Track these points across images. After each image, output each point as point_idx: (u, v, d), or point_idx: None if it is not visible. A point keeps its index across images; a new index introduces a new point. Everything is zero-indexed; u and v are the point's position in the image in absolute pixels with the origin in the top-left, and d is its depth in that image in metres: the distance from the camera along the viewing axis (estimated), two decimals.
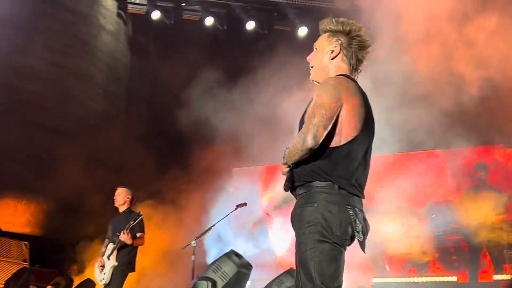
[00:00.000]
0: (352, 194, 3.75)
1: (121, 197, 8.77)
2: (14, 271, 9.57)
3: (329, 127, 3.71)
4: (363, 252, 3.86)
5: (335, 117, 3.70)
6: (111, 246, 8.49)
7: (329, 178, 3.71)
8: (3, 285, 9.32)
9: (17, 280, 9.27)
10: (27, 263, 9.99)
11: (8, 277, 9.42)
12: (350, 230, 3.67)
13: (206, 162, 11.38)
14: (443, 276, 10.18)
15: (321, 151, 3.73)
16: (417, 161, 11.14)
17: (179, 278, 9.41)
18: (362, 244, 3.77)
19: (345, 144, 3.75)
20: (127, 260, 8.52)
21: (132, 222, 8.32)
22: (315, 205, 3.68)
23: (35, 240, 10.66)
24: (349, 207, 3.71)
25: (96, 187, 11.22)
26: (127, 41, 14.07)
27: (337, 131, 3.74)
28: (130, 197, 8.84)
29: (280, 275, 7.46)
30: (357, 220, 3.71)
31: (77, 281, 10.11)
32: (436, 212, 10.86)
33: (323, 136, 3.70)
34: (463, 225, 10.23)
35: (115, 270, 8.45)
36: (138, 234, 8.49)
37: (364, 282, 9.62)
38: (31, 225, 11.29)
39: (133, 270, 8.65)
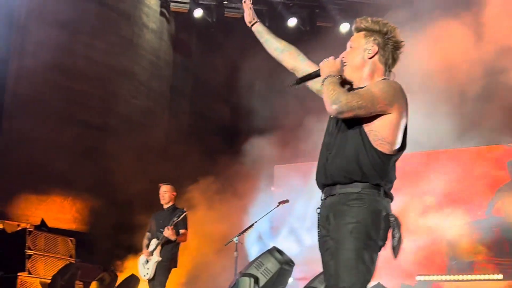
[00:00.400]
0: (391, 200, 3.78)
1: (168, 195, 8.91)
2: (61, 266, 9.70)
3: (358, 115, 3.68)
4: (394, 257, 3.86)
5: (371, 114, 3.68)
6: (155, 241, 8.60)
7: (380, 182, 3.73)
8: (50, 280, 9.45)
9: (63, 275, 9.41)
10: (73, 259, 10.13)
11: (55, 272, 9.52)
12: (385, 236, 3.69)
13: (248, 158, 11.41)
14: (488, 274, 10.06)
15: (376, 155, 3.73)
16: (466, 157, 11.00)
17: (226, 273, 9.43)
18: (395, 250, 3.77)
19: (396, 153, 3.78)
20: (170, 256, 8.64)
21: (176, 219, 8.42)
22: (365, 206, 3.67)
23: (81, 236, 10.84)
24: (390, 214, 3.72)
25: (140, 183, 11.34)
26: (170, 39, 14.15)
27: (391, 139, 3.75)
28: (175, 193, 8.97)
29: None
30: (396, 228, 3.72)
31: (121, 276, 10.25)
32: (481, 210, 10.75)
33: (345, 117, 3.71)
34: (506, 222, 10.13)
35: (159, 265, 8.57)
36: (181, 231, 8.60)
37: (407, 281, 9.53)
38: (77, 221, 11.47)
39: (175, 266, 8.77)
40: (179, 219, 8.51)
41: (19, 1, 11.28)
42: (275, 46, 4.42)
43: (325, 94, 3.72)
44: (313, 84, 4.19)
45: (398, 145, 3.79)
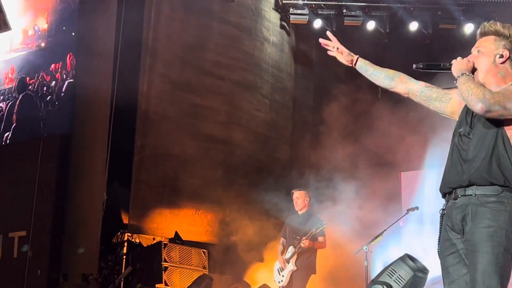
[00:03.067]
0: None
1: (301, 201, 8.99)
2: (195, 277, 9.90)
3: (503, 116, 3.60)
4: None
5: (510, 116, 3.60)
6: (291, 249, 8.67)
7: None
8: None
9: (198, 286, 9.55)
10: (206, 270, 10.39)
11: (189, 283, 9.73)
12: None
13: (374, 166, 11.29)
14: None
15: None
16: None
17: (357, 282, 9.35)
18: None
19: None
20: (307, 265, 8.71)
21: (314, 230, 8.48)
22: (506, 210, 3.58)
23: (213, 248, 11.15)
24: None
25: (265, 194, 11.46)
26: (291, 51, 14.25)
27: None
28: (308, 199, 9.02)
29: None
30: None
31: (253, 287, 10.37)
32: None
33: (491, 117, 3.62)
34: None
35: (295, 274, 8.67)
36: (319, 238, 8.61)
37: None
38: (208, 233, 11.71)
39: (314, 272, 8.78)
40: (317, 231, 8.57)
41: (147, 24, 11.71)
42: (382, 76, 4.25)
43: (466, 92, 3.65)
44: (434, 101, 4.10)
45: None
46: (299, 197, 9.07)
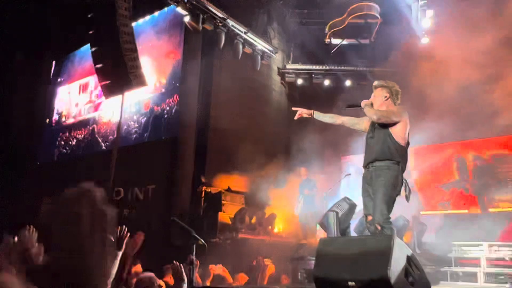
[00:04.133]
0: (403, 171, 3.82)
1: (304, 173, 9.45)
2: (238, 209, 10.02)
3: (386, 122, 3.74)
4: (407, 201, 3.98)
5: (392, 122, 3.78)
6: (301, 195, 9.29)
7: (399, 161, 3.74)
8: (233, 216, 9.74)
9: (239, 213, 9.77)
10: (243, 205, 10.45)
11: (235, 212, 9.84)
12: (401, 189, 3.77)
13: (330, 152, 11.20)
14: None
15: (398, 145, 3.74)
16: None
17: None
18: (408, 198, 3.93)
19: (407, 144, 3.80)
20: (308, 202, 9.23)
21: (311, 185, 9.05)
22: (390, 173, 3.69)
23: (247, 194, 11.24)
24: (403, 177, 3.79)
25: (275, 166, 11.56)
26: (286, 95, 14.26)
27: (404, 136, 3.76)
28: (307, 172, 9.57)
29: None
30: (406, 185, 3.84)
31: (267, 214, 10.50)
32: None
33: (379, 122, 3.77)
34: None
35: (302, 207, 9.21)
36: (313, 189, 9.23)
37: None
38: (245, 187, 11.59)
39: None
40: (310, 184, 9.06)
41: (214, 81, 11.64)
42: (327, 117, 4.24)
43: (369, 112, 3.88)
44: (356, 125, 4.18)
45: (407, 140, 3.84)
46: (303, 170, 9.48)
